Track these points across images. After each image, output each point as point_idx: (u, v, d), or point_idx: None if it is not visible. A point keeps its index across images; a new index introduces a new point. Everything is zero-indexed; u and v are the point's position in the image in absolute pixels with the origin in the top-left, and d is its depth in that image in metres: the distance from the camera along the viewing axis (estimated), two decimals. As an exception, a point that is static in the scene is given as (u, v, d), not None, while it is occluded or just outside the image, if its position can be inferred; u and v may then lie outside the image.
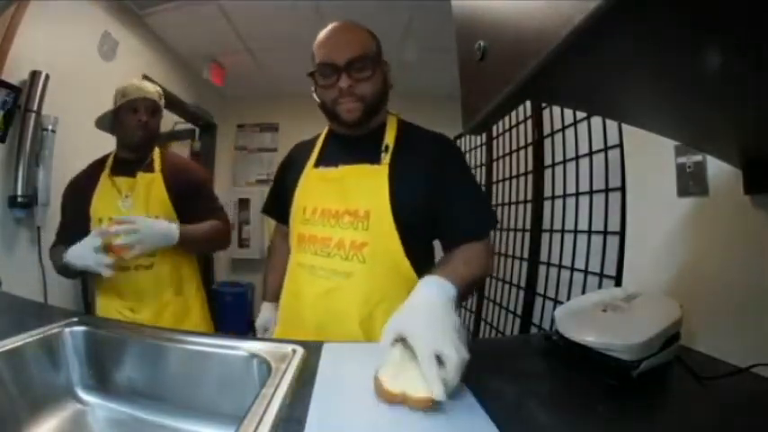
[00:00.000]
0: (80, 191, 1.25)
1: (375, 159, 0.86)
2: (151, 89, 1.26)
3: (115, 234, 1.02)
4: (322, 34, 0.89)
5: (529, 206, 1.93)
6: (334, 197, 0.86)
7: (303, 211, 0.91)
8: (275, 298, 1.11)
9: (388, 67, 0.91)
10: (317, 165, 0.93)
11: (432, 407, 0.50)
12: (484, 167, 2.56)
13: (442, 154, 0.88)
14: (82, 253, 1.04)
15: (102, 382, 0.79)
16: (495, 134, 2.38)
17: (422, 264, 0.84)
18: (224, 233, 1.32)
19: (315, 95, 0.91)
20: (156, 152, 1.31)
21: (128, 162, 1.26)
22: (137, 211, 1.18)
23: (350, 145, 0.91)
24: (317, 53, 0.87)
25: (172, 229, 1.13)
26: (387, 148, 0.86)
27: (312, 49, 0.90)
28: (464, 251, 0.82)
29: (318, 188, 0.90)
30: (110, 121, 1.28)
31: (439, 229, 0.88)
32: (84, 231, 1.13)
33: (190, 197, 1.28)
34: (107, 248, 1.03)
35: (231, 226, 1.34)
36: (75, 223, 1.21)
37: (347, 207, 0.84)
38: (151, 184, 1.23)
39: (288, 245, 1.02)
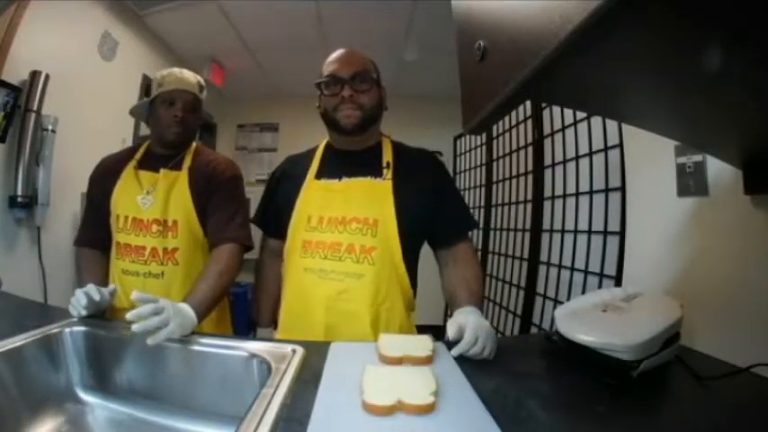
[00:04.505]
0: (106, 178, 1.12)
1: (377, 174, 0.94)
2: (192, 80, 1.12)
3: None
4: (330, 57, 0.99)
5: (529, 206, 1.93)
6: (339, 206, 0.92)
7: (308, 219, 0.94)
8: (271, 323, 1.11)
9: (384, 92, 1.01)
10: (318, 177, 0.98)
11: (430, 411, 0.51)
12: (484, 167, 2.56)
13: (434, 171, 1.01)
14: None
15: (101, 382, 0.79)
16: (495, 134, 2.38)
17: (410, 269, 0.94)
18: (235, 266, 1.04)
19: (318, 106, 1.00)
20: (191, 148, 1.16)
21: (159, 157, 1.13)
22: (154, 210, 1.06)
23: (350, 160, 0.98)
24: (324, 70, 0.97)
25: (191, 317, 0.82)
26: (388, 164, 0.95)
27: (316, 59, 1.03)
28: (465, 269, 0.94)
29: (322, 198, 0.95)
30: (145, 111, 1.14)
31: (434, 234, 0.99)
32: (105, 227, 1.09)
33: (210, 200, 1.11)
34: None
35: (251, 240, 1.11)
36: (97, 216, 1.11)
37: (355, 215, 0.91)
38: (174, 184, 1.09)
39: (276, 262, 1.05)
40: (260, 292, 1.14)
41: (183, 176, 1.10)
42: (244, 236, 1.09)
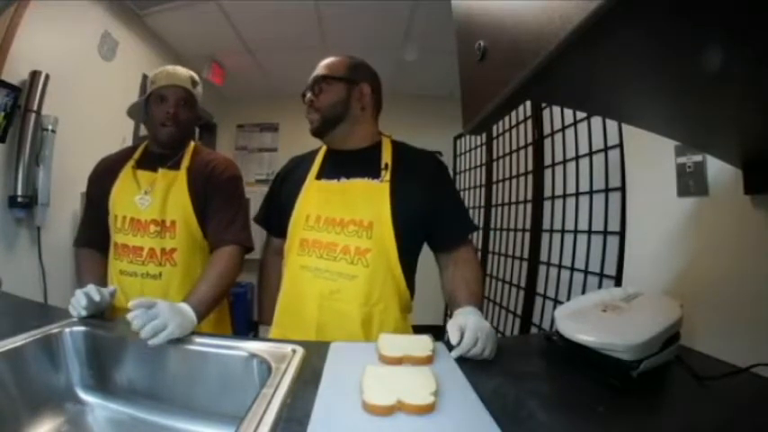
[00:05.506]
0: (105, 178, 1.11)
1: (375, 175, 0.94)
2: (184, 75, 1.10)
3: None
4: None
5: (529, 206, 1.93)
6: (337, 207, 0.93)
7: (306, 218, 0.96)
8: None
9: (366, 89, 0.98)
10: (318, 177, 1.00)
11: (430, 411, 0.51)
12: (484, 167, 2.56)
13: (435, 173, 1.00)
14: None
15: (101, 382, 0.79)
16: (495, 134, 2.38)
17: (407, 272, 0.94)
18: (235, 267, 1.04)
19: None
20: (190, 147, 1.15)
21: (157, 156, 1.12)
22: (152, 211, 1.05)
23: (349, 161, 0.99)
24: None
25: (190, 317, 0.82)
26: (386, 166, 0.95)
27: (315, 58, 1.02)
28: (465, 269, 0.94)
29: (321, 198, 0.96)
30: (141, 111, 1.13)
31: (434, 237, 0.99)
32: (104, 227, 1.09)
33: (210, 202, 1.10)
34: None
35: (251, 241, 1.10)
36: (96, 216, 1.11)
37: (352, 217, 0.91)
38: (172, 184, 1.08)
39: (279, 260, 1.05)
40: (263, 290, 1.15)
41: (181, 176, 1.09)
42: (244, 237, 1.08)
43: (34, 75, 1.60)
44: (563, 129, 1.66)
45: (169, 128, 1.08)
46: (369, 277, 0.89)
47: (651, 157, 1.09)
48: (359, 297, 0.88)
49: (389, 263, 0.90)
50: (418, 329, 0.88)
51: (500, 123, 2.24)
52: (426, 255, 1.01)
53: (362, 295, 0.88)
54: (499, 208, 2.32)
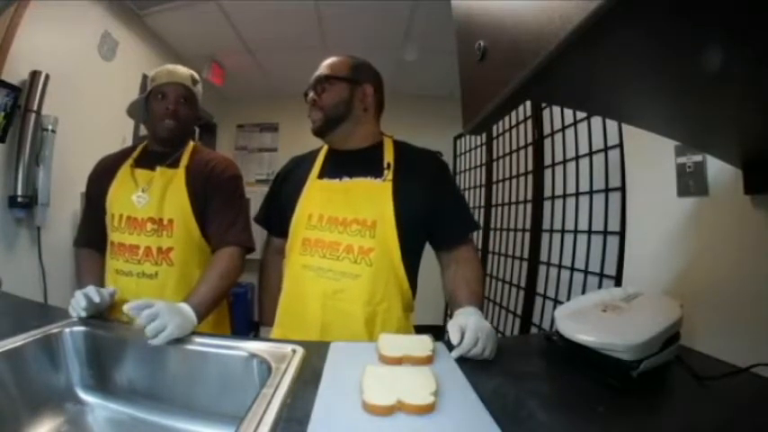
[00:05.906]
0: (103, 177, 1.11)
1: (377, 174, 0.94)
2: (183, 73, 1.12)
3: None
4: None
5: (529, 206, 1.93)
6: (340, 206, 0.93)
7: (309, 217, 0.96)
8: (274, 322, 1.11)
9: (369, 90, 0.99)
10: (320, 176, 1.00)
11: (430, 411, 0.51)
12: (484, 167, 2.56)
13: (436, 172, 1.00)
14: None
15: (101, 382, 0.79)
16: (495, 134, 2.38)
17: (410, 271, 0.94)
18: (236, 269, 1.04)
19: None
20: (189, 147, 1.15)
21: (156, 155, 1.12)
22: (149, 209, 1.05)
23: (351, 161, 0.99)
24: None
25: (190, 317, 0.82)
26: (389, 165, 0.95)
27: (316, 59, 1.04)
28: (466, 269, 0.94)
29: (323, 197, 0.96)
30: (141, 109, 1.13)
31: (435, 236, 0.99)
32: (104, 227, 1.09)
33: (210, 202, 1.10)
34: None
35: (253, 242, 1.11)
36: (95, 216, 1.11)
37: (355, 216, 0.91)
38: (170, 182, 1.07)
39: (280, 260, 1.05)
40: (263, 291, 1.15)
41: (179, 174, 1.09)
42: (245, 238, 1.08)
43: (34, 75, 1.60)
44: (563, 129, 1.66)
45: (169, 123, 1.08)
46: (372, 276, 0.89)
47: (651, 157, 1.09)
48: (363, 296, 0.88)
49: (392, 262, 0.91)
50: (419, 329, 0.89)
51: (500, 123, 2.24)
52: (427, 254, 1.01)
53: (366, 294, 0.88)
54: (499, 208, 2.32)
